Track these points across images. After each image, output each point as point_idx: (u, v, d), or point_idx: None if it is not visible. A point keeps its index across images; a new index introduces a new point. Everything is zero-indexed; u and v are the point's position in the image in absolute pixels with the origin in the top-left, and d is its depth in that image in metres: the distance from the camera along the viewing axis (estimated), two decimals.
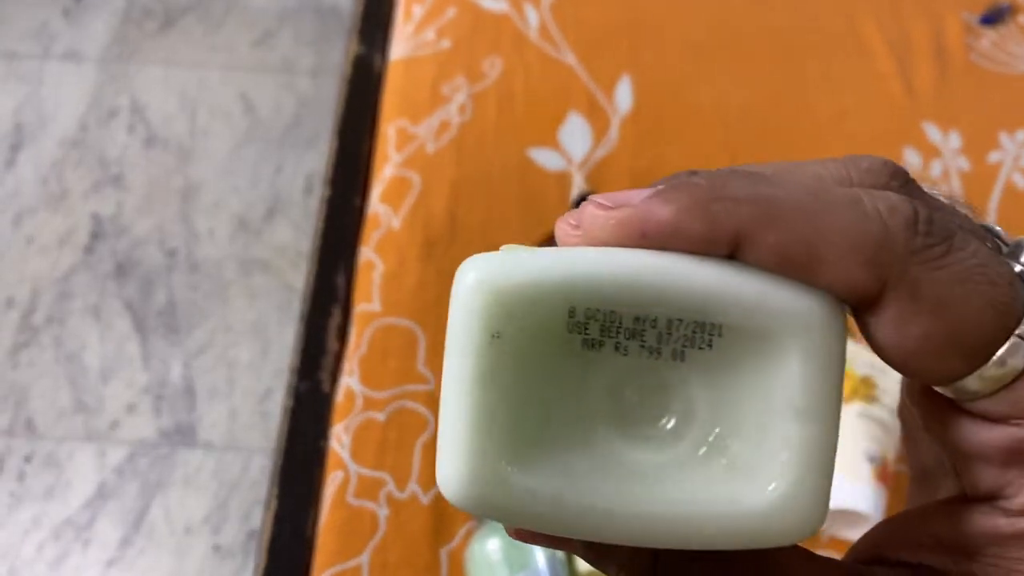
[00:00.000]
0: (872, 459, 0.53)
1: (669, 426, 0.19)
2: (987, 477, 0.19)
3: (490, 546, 0.50)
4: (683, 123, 0.73)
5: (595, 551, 0.20)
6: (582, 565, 0.51)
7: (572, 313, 0.18)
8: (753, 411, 0.18)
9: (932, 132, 0.72)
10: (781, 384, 0.18)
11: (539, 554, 0.50)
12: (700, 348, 0.18)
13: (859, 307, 0.18)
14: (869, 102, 0.74)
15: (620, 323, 0.18)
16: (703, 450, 0.19)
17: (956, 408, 0.19)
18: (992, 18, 0.78)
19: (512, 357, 0.18)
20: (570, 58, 0.75)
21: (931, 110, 0.73)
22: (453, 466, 0.18)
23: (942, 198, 0.19)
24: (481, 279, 0.18)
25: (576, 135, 0.71)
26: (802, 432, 0.18)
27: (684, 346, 0.18)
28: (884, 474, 0.53)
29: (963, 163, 0.71)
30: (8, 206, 1.24)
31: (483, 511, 0.18)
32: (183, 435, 1.07)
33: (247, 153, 1.29)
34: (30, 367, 1.11)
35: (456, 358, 0.18)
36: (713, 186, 0.18)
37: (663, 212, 0.18)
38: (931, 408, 0.20)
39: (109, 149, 1.28)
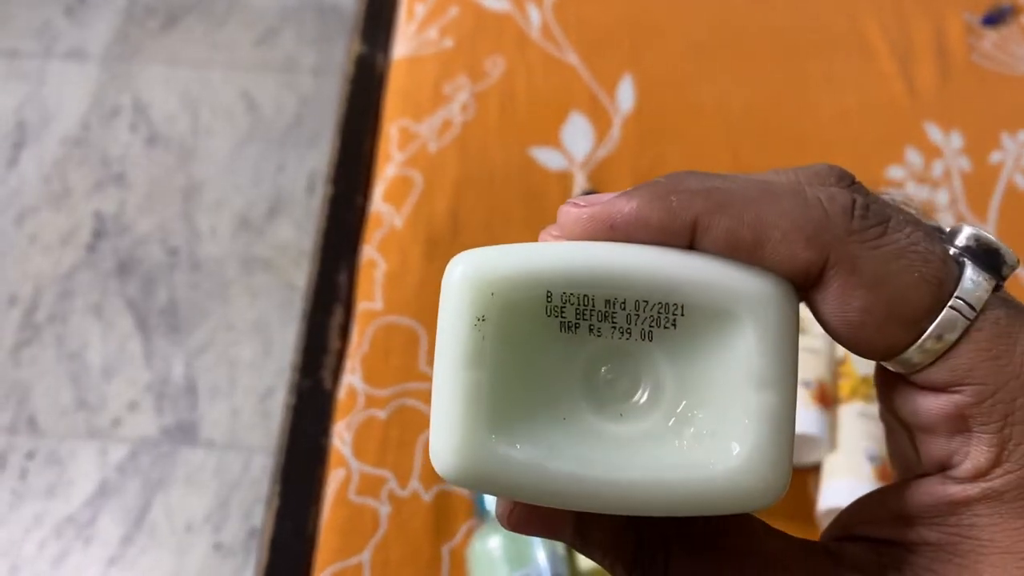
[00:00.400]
0: (872, 458, 0.53)
1: (641, 401, 0.21)
2: (936, 447, 0.21)
3: (491, 543, 0.50)
4: (685, 123, 0.73)
5: (581, 537, 0.22)
6: (583, 563, 0.51)
7: (549, 297, 0.20)
8: (716, 383, 0.20)
9: (933, 132, 0.72)
10: (740, 357, 0.20)
11: (540, 551, 0.50)
12: (665, 327, 0.20)
13: (806, 285, 0.20)
14: (871, 102, 0.74)
15: (593, 306, 0.20)
16: (672, 421, 0.20)
17: (905, 382, 0.21)
18: (994, 19, 0.78)
19: (496, 339, 0.20)
20: (572, 58, 0.76)
21: (933, 110, 0.73)
22: (443, 440, 0.20)
23: (887, 198, 0.21)
24: (466, 269, 0.20)
25: (578, 134, 0.71)
26: (760, 400, 0.20)
27: (651, 326, 0.20)
28: (885, 473, 0.53)
29: (964, 163, 0.71)
30: (10, 204, 1.24)
31: (471, 482, 0.20)
32: (185, 433, 1.07)
33: (249, 152, 1.29)
34: (32, 365, 1.11)
35: (445, 341, 0.20)
36: (671, 182, 0.20)
37: (628, 205, 0.20)
38: (886, 386, 0.22)
39: (111, 148, 1.29)
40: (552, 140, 0.71)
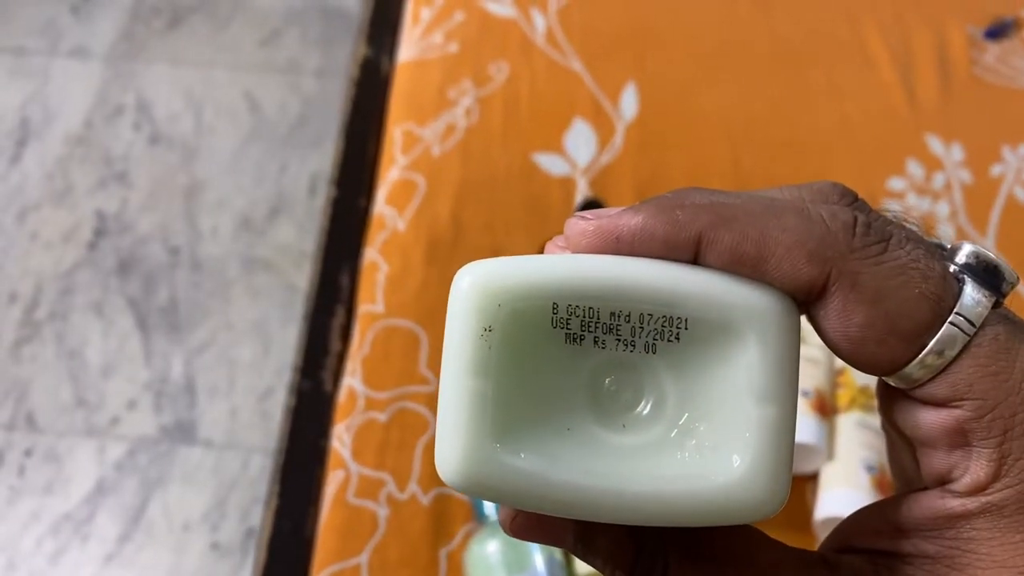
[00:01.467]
0: (870, 468, 0.53)
1: (644, 412, 0.21)
2: (936, 461, 0.21)
3: (489, 548, 0.50)
4: (688, 131, 0.73)
5: (583, 544, 0.22)
6: (580, 569, 0.51)
7: (555, 309, 0.20)
8: (718, 396, 0.20)
9: (935, 144, 0.72)
10: (742, 371, 0.20)
11: (537, 556, 0.50)
12: (669, 341, 0.20)
13: (808, 300, 0.20)
14: (872, 113, 0.74)
15: (598, 318, 0.20)
16: (674, 433, 0.21)
17: (906, 396, 0.21)
18: (996, 32, 0.79)
19: (502, 349, 0.20)
20: (576, 64, 0.76)
21: (934, 122, 0.74)
22: (449, 448, 0.20)
23: (890, 215, 0.21)
24: (475, 280, 0.20)
25: (581, 141, 0.72)
26: (761, 413, 0.20)
27: (655, 339, 0.20)
28: (882, 483, 0.53)
29: (965, 176, 0.71)
30: (13, 201, 1.24)
31: (476, 490, 0.20)
32: (183, 432, 1.07)
33: (252, 152, 1.29)
34: (32, 362, 1.12)
35: (452, 350, 0.20)
36: (677, 197, 0.21)
37: (634, 219, 0.20)
38: (887, 400, 0.22)
39: (114, 146, 1.29)
40: (555, 146, 0.71)
